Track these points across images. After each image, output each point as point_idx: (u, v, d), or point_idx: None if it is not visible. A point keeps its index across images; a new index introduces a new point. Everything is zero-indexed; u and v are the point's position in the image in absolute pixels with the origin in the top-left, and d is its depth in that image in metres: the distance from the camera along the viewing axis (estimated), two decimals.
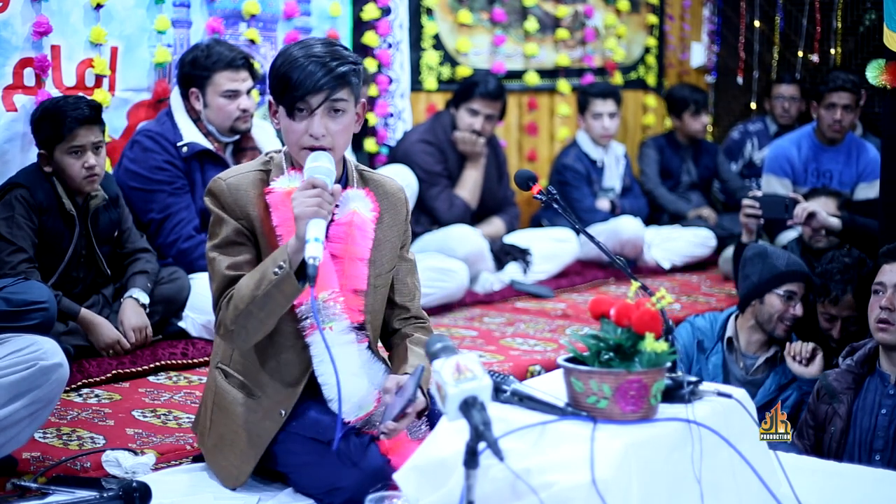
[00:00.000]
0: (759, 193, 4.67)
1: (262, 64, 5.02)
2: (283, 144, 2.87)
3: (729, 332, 4.10)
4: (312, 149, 2.72)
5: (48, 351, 2.80)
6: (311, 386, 2.83)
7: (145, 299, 4.04)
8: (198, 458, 3.12)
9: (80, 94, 4.18)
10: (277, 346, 2.82)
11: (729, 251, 5.68)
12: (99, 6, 4.40)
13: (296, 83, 2.69)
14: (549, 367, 4.11)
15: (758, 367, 4.05)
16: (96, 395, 3.69)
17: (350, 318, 2.79)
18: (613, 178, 6.45)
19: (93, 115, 3.88)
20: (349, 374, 2.74)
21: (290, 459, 2.83)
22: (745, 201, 4.58)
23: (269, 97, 2.84)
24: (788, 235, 5.38)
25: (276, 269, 2.59)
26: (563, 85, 6.82)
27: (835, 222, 4.65)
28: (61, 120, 3.82)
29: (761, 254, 4.09)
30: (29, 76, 4.19)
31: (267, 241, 2.76)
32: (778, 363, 4.02)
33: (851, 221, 4.67)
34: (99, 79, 4.43)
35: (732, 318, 4.14)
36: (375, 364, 2.89)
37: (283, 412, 2.81)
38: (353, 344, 2.80)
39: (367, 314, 2.85)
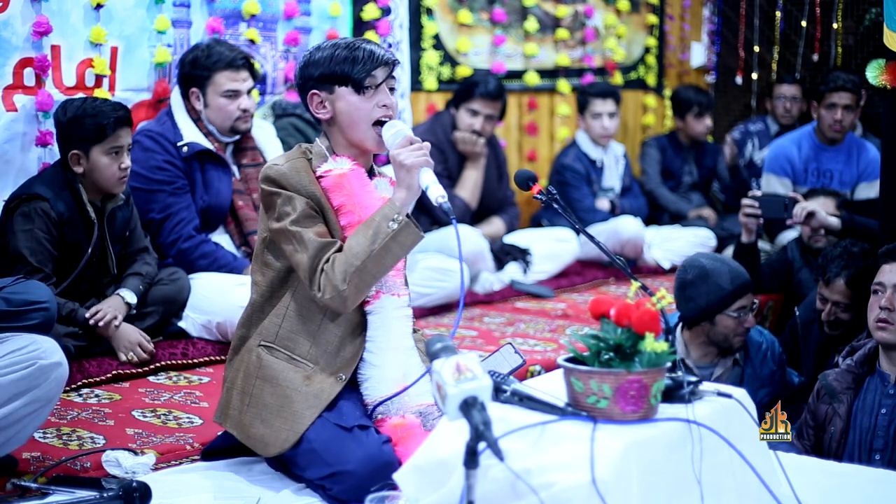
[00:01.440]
0: (759, 193, 4.67)
1: (262, 64, 5.02)
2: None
3: (679, 353, 3.78)
4: (381, 123, 2.83)
5: (47, 350, 2.80)
6: None
7: (132, 298, 4.00)
8: (201, 457, 3.12)
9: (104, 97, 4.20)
10: (335, 321, 2.86)
11: (729, 251, 5.67)
12: (99, 6, 4.40)
13: (365, 58, 2.82)
14: (549, 367, 4.10)
15: (718, 377, 3.82)
16: (96, 395, 3.69)
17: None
18: (613, 178, 6.45)
19: (129, 117, 3.96)
20: (402, 349, 2.88)
21: (307, 434, 2.81)
22: (745, 201, 4.59)
23: (297, 92, 2.95)
24: (788, 235, 5.39)
25: (391, 223, 2.70)
26: (563, 85, 6.82)
27: (834, 222, 4.65)
28: (105, 120, 3.84)
29: (702, 275, 3.76)
30: (29, 76, 4.18)
31: (334, 219, 2.84)
32: (741, 367, 3.88)
33: (850, 221, 4.68)
34: (99, 79, 4.42)
35: (678, 331, 3.84)
36: (413, 349, 2.96)
37: (343, 376, 2.86)
38: (410, 319, 2.92)
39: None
